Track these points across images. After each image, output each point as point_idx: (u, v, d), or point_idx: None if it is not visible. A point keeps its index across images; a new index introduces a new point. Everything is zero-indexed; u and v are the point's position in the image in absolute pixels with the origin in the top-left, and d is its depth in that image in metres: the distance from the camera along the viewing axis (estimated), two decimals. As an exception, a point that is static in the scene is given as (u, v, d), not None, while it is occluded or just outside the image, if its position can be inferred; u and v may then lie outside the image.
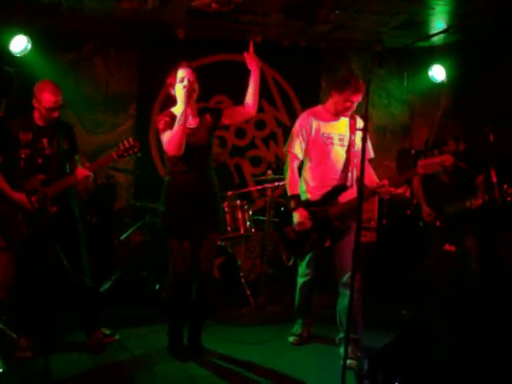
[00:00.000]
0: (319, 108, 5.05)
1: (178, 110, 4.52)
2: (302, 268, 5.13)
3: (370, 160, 5.01)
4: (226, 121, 4.76)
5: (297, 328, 5.34)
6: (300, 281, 5.18)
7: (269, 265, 7.24)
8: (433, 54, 7.90)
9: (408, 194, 7.11)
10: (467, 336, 4.13)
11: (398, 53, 8.11)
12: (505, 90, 6.65)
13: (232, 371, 4.58)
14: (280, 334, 5.45)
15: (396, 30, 7.06)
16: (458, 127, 6.65)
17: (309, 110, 5.06)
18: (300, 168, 5.07)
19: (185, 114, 4.39)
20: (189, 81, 4.48)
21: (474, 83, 7.41)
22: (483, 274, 5.82)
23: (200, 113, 4.72)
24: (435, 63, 7.79)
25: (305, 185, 5.02)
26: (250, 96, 4.64)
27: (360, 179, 3.86)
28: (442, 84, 7.94)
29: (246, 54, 4.60)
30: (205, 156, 4.67)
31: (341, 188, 4.88)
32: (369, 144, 4.92)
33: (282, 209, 5.15)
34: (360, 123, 4.92)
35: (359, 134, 4.80)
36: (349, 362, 4.24)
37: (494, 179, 5.49)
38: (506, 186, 5.44)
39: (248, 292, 6.48)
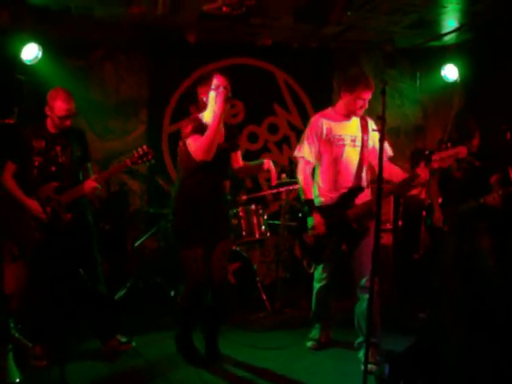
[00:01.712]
0: (329, 110, 5.01)
1: (207, 116, 4.55)
2: (318, 273, 5.09)
3: (390, 158, 4.95)
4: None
5: (315, 333, 5.29)
6: (316, 286, 5.14)
7: (284, 269, 7.21)
8: (445, 54, 7.84)
9: (423, 195, 7.05)
10: (480, 336, 4.08)
11: (410, 53, 8.05)
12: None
13: (249, 378, 4.55)
14: (297, 338, 5.41)
15: (407, 30, 6.99)
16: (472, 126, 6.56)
17: (319, 113, 5.03)
18: (312, 172, 5.03)
19: (219, 117, 4.40)
20: (225, 88, 4.50)
21: (487, 82, 7.34)
22: (500, 274, 5.74)
23: (225, 128, 4.76)
24: (448, 62, 7.73)
25: (318, 188, 4.99)
26: (246, 168, 5.05)
27: (379, 181, 3.81)
28: (454, 83, 7.88)
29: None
30: (225, 168, 4.77)
31: (356, 189, 4.83)
32: (386, 143, 4.87)
33: (300, 215, 5.08)
34: (372, 124, 4.90)
35: (374, 135, 4.79)
36: (369, 366, 4.16)
37: (512, 178, 5.43)
38: None
39: (264, 296, 6.43)
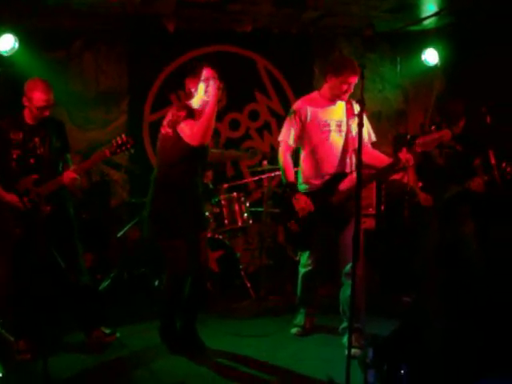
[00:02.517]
0: (314, 94, 5.00)
1: (195, 103, 4.58)
2: (304, 258, 5.07)
3: (373, 144, 4.97)
4: None
5: (300, 319, 5.29)
6: (302, 271, 5.12)
7: (268, 256, 7.21)
8: (425, 38, 7.82)
9: (405, 179, 7.05)
10: (462, 322, 4.12)
11: (390, 37, 8.03)
12: (498, 71, 6.59)
13: (234, 366, 4.54)
14: (282, 325, 5.42)
15: (387, 14, 6.98)
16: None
17: (303, 98, 5.01)
18: (297, 159, 5.01)
19: (215, 103, 4.41)
20: (215, 79, 4.48)
21: (467, 65, 7.34)
22: (483, 259, 5.78)
23: None
24: (428, 47, 7.72)
25: (302, 175, 4.97)
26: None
27: (358, 166, 3.80)
28: (435, 67, 7.87)
29: None
30: (204, 160, 4.77)
31: (340, 175, 4.82)
32: (369, 128, 4.94)
33: (284, 202, 5.06)
34: (357, 108, 4.82)
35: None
36: (353, 350, 4.16)
37: (493, 161, 5.42)
38: (504, 164, 5.36)
39: (248, 284, 6.44)
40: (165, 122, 4.58)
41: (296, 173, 5.02)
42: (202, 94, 4.52)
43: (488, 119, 5.51)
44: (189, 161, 4.54)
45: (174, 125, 4.50)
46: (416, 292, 6.00)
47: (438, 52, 7.67)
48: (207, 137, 4.45)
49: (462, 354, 3.75)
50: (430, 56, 7.73)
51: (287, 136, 4.90)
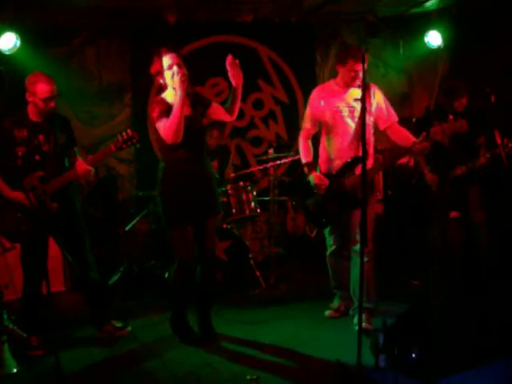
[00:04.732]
0: (330, 82, 5.16)
1: (169, 96, 4.51)
2: (327, 239, 5.22)
3: (398, 122, 5.04)
4: (210, 114, 4.74)
5: (335, 301, 5.39)
6: (327, 252, 5.26)
7: (277, 244, 7.21)
8: (428, 20, 7.79)
9: (412, 163, 7.04)
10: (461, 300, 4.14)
11: (392, 21, 7.97)
12: (501, 51, 6.57)
13: (245, 354, 4.54)
14: (293, 313, 5.45)
15: (388, -2, 6.96)
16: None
17: (319, 86, 5.28)
18: (316, 145, 5.18)
19: (182, 99, 4.32)
20: (178, 66, 4.42)
21: (470, 46, 7.31)
22: (493, 247, 5.80)
23: (190, 98, 4.65)
24: (431, 29, 7.69)
25: (319, 159, 5.14)
26: (233, 105, 4.67)
27: (363, 151, 3.80)
28: (438, 50, 7.85)
29: (228, 67, 4.52)
30: (201, 142, 4.70)
31: (355, 160, 4.87)
32: (390, 108, 5.02)
33: (302, 180, 5.23)
34: (376, 91, 4.98)
35: (379, 99, 4.97)
36: (364, 324, 4.38)
37: (499, 140, 5.42)
38: (505, 140, 5.38)
39: (258, 273, 6.44)
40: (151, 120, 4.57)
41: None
42: (172, 83, 4.44)
43: (492, 99, 5.49)
44: (180, 148, 4.46)
45: (152, 124, 4.52)
46: (425, 275, 6.00)
47: (441, 34, 7.64)
48: (178, 135, 4.34)
49: (466, 335, 3.77)
50: (433, 38, 7.71)
51: (305, 122, 5.15)
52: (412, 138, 4.82)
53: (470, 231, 5.95)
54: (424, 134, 4.65)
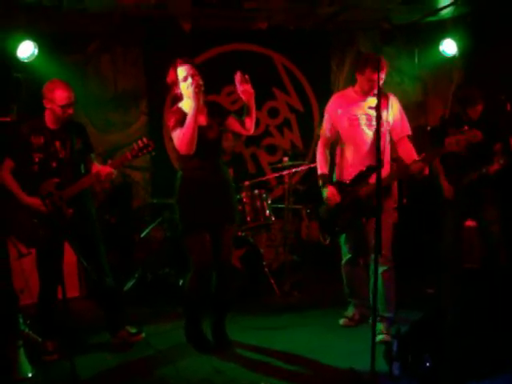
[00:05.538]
0: (348, 90, 5.15)
1: (186, 105, 4.53)
2: (343, 247, 5.23)
3: (409, 136, 5.03)
4: (227, 125, 4.77)
5: (349, 310, 5.36)
6: (343, 261, 5.26)
7: (292, 252, 7.21)
8: (443, 28, 7.78)
9: (427, 171, 7.01)
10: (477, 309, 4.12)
11: (407, 29, 7.96)
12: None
13: (259, 361, 4.56)
14: (307, 321, 5.44)
15: (403, 6, 6.95)
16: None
17: (337, 93, 5.31)
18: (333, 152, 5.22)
19: (196, 111, 4.36)
20: (193, 77, 4.46)
21: (485, 55, 7.30)
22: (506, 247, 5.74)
23: (207, 107, 4.69)
24: (446, 37, 7.68)
25: (336, 167, 5.16)
26: (247, 120, 4.67)
27: (377, 159, 3.81)
28: (453, 58, 7.84)
29: (237, 84, 4.52)
30: (217, 151, 4.72)
31: (371, 168, 4.86)
32: (405, 120, 5.00)
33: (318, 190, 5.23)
34: (393, 100, 4.98)
35: (395, 111, 4.96)
36: (381, 336, 4.50)
37: (514, 148, 5.41)
38: None
39: (272, 281, 6.44)
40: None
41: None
42: (187, 94, 4.49)
43: (508, 106, 5.48)
44: (196, 157, 4.51)
45: (168, 133, 4.58)
46: (439, 283, 5.97)
47: (456, 42, 7.63)
48: (191, 146, 4.39)
49: (481, 344, 3.76)
50: (448, 47, 7.70)
51: (323, 129, 5.17)
52: (413, 156, 4.83)
53: (485, 239, 5.90)
54: (423, 154, 4.70)
